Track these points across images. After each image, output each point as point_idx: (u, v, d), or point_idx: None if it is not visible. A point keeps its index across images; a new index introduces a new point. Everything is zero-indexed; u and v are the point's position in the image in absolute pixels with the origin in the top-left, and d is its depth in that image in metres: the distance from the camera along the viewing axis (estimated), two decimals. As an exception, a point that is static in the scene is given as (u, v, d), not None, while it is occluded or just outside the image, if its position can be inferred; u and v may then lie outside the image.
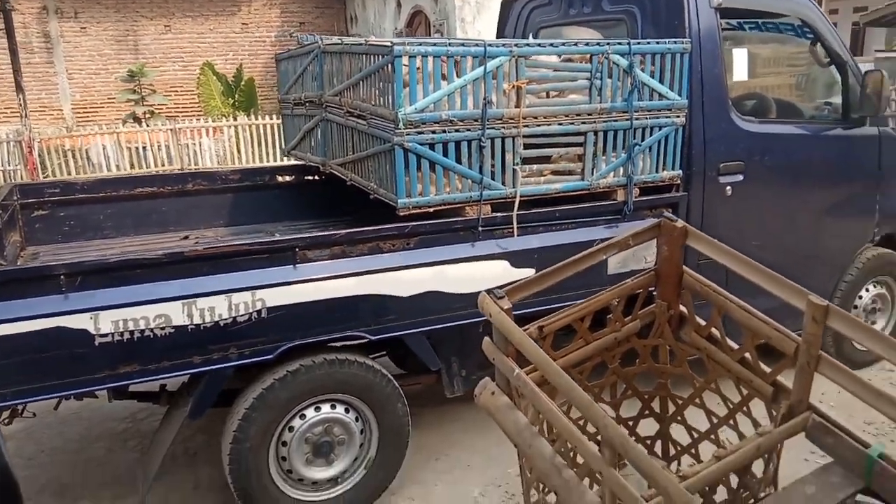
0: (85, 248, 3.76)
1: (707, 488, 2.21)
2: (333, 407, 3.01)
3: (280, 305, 2.76)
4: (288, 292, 2.77)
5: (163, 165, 11.92)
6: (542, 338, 2.32)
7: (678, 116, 3.46)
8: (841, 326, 2.08)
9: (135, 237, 3.99)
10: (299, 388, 2.88)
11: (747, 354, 2.38)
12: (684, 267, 2.56)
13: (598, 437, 1.90)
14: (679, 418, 2.74)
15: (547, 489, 2.22)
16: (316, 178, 4.41)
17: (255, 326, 2.74)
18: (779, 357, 2.27)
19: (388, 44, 2.82)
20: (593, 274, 2.87)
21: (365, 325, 2.95)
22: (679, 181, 3.58)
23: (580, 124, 3.23)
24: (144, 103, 14.04)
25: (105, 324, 2.51)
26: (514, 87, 3.05)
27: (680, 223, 2.50)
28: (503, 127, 3.05)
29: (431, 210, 3.03)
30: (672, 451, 2.79)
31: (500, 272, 3.12)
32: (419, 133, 2.89)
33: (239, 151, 12.39)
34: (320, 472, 3.03)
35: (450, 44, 2.94)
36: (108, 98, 15.06)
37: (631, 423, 2.80)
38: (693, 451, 2.70)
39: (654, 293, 2.66)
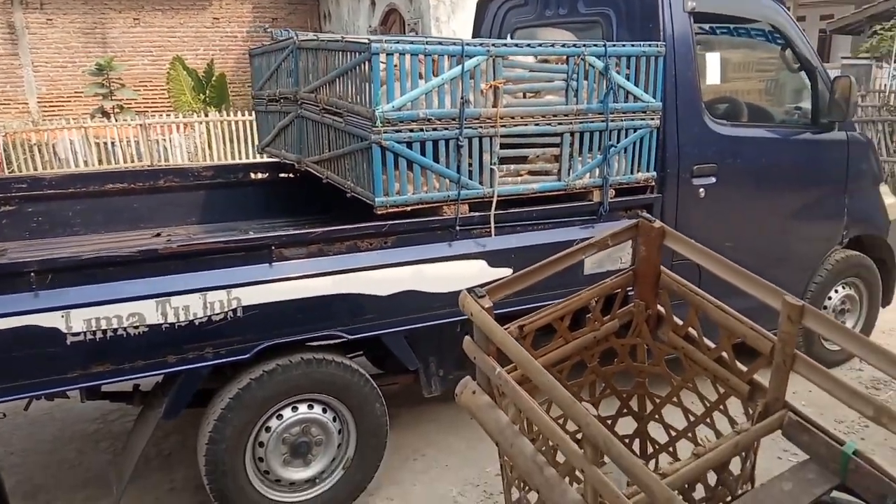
0: (54, 244, 3.68)
1: (686, 486, 2.23)
2: (311, 407, 2.98)
3: (256, 304, 2.73)
4: (264, 291, 2.75)
5: (132, 162, 11.70)
6: (523, 337, 2.32)
7: (652, 119, 3.50)
8: (816, 326, 2.11)
9: (105, 234, 3.92)
10: (276, 387, 2.86)
11: (724, 353, 2.41)
12: (662, 267, 2.58)
13: (578, 436, 1.91)
14: (657, 417, 2.77)
15: (528, 488, 2.22)
16: (290, 175, 4.37)
17: (231, 325, 2.70)
18: (755, 356, 2.30)
19: (366, 41, 2.81)
20: (570, 274, 2.89)
21: (342, 325, 2.93)
22: (653, 183, 3.62)
23: (556, 125, 3.24)
24: (113, 98, 13.78)
25: (77, 322, 2.45)
26: (491, 86, 3.05)
27: (658, 224, 2.52)
28: (480, 126, 3.06)
29: (409, 209, 3.02)
30: (650, 450, 2.81)
31: (477, 271, 3.13)
32: (397, 131, 2.88)
33: (210, 148, 12.22)
34: (298, 473, 3.01)
35: (427, 42, 2.93)
36: (76, 92, 14.76)
37: (609, 421, 2.82)
38: (671, 449, 2.73)
39: (632, 293, 2.68)
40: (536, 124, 3.20)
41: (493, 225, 3.15)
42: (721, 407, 2.51)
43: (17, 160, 11.12)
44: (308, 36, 3.59)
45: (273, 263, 2.77)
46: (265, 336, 2.79)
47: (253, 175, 4.41)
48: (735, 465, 2.26)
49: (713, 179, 3.78)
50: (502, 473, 2.39)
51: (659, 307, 2.64)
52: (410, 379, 3.40)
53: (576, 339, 2.56)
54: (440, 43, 2.97)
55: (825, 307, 4.41)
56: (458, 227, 3.09)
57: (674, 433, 2.71)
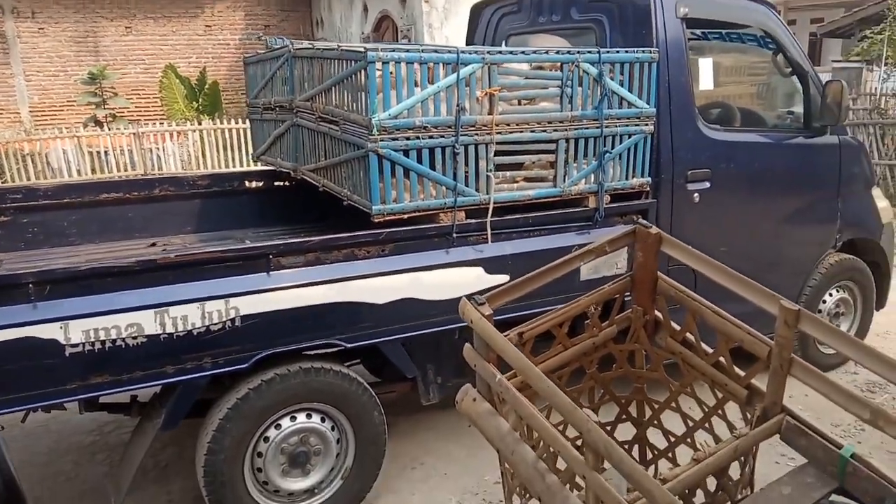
0: (50, 255, 3.67)
1: (686, 491, 2.23)
2: (309, 416, 2.98)
3: (254, 314, 2.73)
4: (262, 300, 2.75)
5: (126, 170, 11.65)
6: (522, 344, 2.33)
7: (647, 124, 3.52)
8: (812, 330, 2.13)
9: (100, 244, 3.90)
10: (274, 397, 2.85)
11: (721, 358, 2.42)
12: (659, 273, 2.60)
13: (579, 442, 1.92)
14: (656, 422, 2.77)
15: (529, 495, 2.22)
16: (286, 183, 4.36)
17: (229, 335, 2.70)
18: (752, 360, 2.31)
19: (362, 49, 2.82)
20: (567, 280, 2.89)
21: (340, 333, 2.93)
22: (648, 188, 3.64)
23: (552, 132, 3.26)
24: (106, 106, 13.72)
25: (75, 333, 2.45)
26: (486, 94, 3.06)
27: (654, 229, 2.53)
28: (476, 134, 3.07)
29: (406, 217, 3.02)
30: (649, 456, 2.81)
31: (474, 278, 3.14)
32: (393, 139, 2.89)
33: (204, 156, 12.19)
34: (296, 483, 3.00)
35: (423, 50, 2.94)
36: (68, 101, 14.71)
37: (609, 427, 2.82)
38: (670, 454, 2.74)
39: (629, 299, 2.69)
40: (532, 131, 3.21)
41: (489, 232, 3.16)
42: (719, 412, 2.52)
43: (10, 170, 11.07)
44: (303, 44, 3.59)
45: (271, 272, 2.77)
46: (263, 345, 2.78)
47: (248, 183, 4.40)
48: (734, 470, 2.27)
49: (707, 184, 3.80)
50: (503, 481, 2.39)
51: (656, 313, 2.65)
52: (408, 387, 3.40)
53: (574, 345, 2.57)
54: (436, 51, 2.98)
55: (820, 311, 4.43)
56: (454, 235, 3.10)
57: (673, 438, 2.72)
